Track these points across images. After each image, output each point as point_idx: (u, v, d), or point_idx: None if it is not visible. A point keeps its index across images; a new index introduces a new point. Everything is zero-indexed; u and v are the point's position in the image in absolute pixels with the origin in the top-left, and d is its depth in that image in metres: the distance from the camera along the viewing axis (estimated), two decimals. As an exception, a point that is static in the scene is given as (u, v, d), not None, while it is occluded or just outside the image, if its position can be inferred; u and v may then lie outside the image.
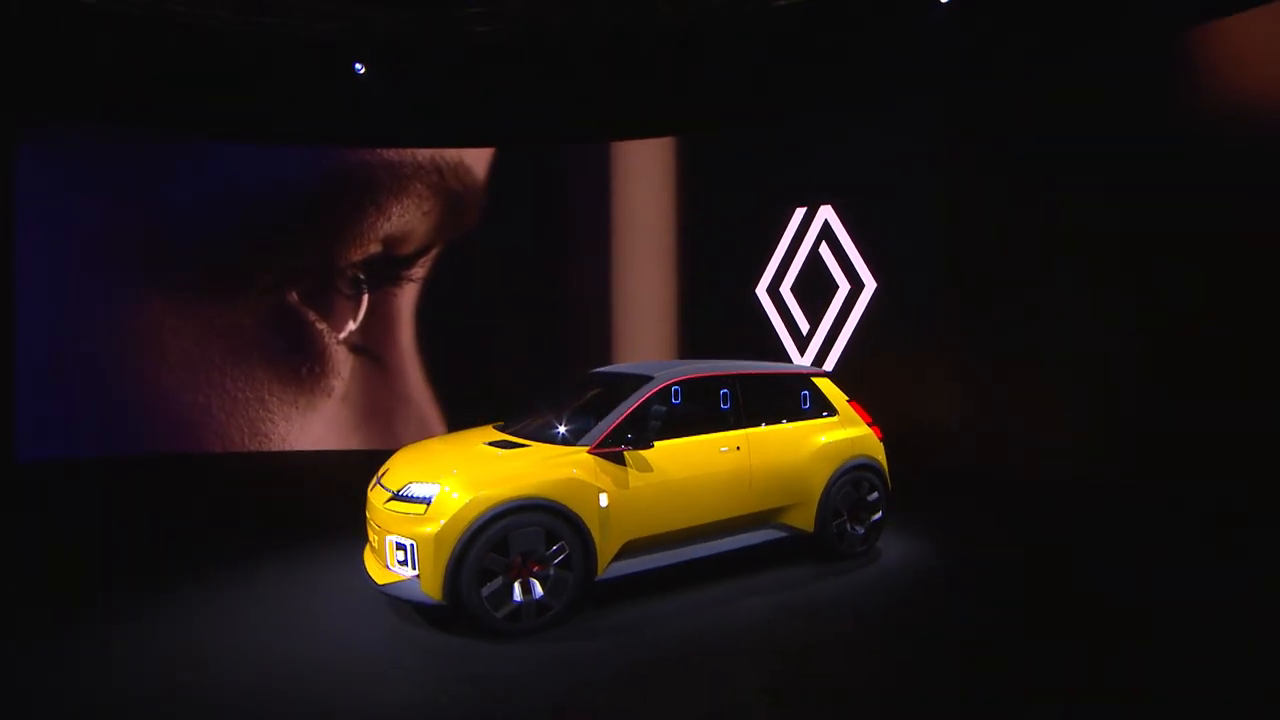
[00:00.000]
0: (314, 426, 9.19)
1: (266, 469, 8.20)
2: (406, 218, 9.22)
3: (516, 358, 9.08)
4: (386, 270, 9.29)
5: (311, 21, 8.41)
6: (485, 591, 3.18)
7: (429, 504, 3.23)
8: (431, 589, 3.14)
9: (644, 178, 8.97)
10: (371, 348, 9.29)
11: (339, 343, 9.20)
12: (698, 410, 3.96)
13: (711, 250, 8.61)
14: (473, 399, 9.10)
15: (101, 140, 8.54)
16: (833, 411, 4.46)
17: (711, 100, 8.49)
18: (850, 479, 4.33)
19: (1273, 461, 4.98)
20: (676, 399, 3.84)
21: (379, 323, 9.28)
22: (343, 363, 9.23)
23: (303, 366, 9.18)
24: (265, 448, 9.06)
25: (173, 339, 8.88)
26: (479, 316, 9.12)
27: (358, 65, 8.58)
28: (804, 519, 4.18)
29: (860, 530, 4.40)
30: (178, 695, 2.82)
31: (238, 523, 5.73)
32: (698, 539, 3.84)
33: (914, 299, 7.22)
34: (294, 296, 9.13)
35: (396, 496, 3.37)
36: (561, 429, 3.78)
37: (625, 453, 3.55)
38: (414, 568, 3.18)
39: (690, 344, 8.79)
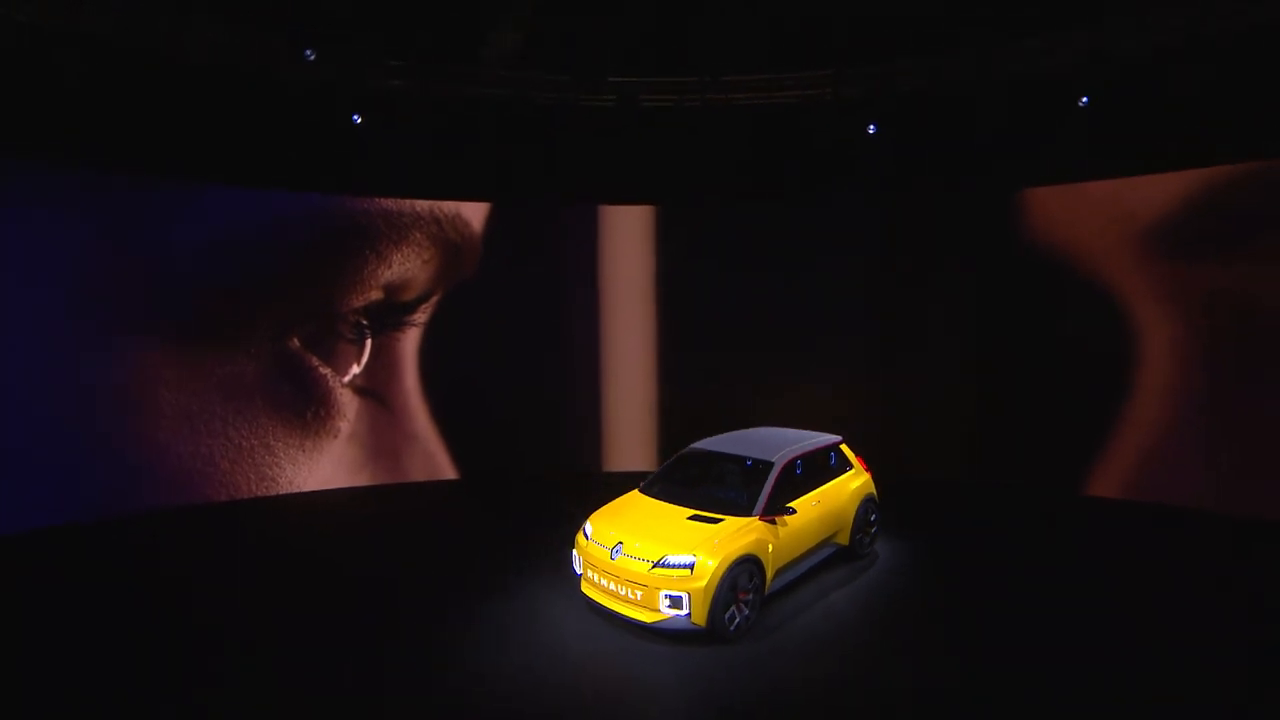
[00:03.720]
0: (321, 467, 9.71)
1: (314, 510, 8.77)
2: (407, 265, 9.91)
3: (515, 397, 10.20)
4: (389, 316, 9.93)
5: (310, 71, 8.77)
6: (726, 616, 5.08)
7: (692, 568, 4.97)
8: (699, 621, 4.92)
9: (627, 239, 10.56)
10: (376, 389, 9.95)
11: (343, 386, 9.75)
12: (791, 477, 6.13)
13: (685, 305, 10.45)
14: (476, 434, 10.25)
15: (86, 185, 8.14)
16: (850, 466, 6.91)
17: (684, 179, 10.35)
18: (864, 508, 6.76)
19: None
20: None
21: (383, 365, 9.96)
22: (348, 404, 9.80)
23: (307, 410, 9.60)
24: (272, 492, 9.42)
25: (168, 391, 8.83)
26: (481, 359, 10.06)
27: (356, 116, 9.07)
28: (843, 538, 6.56)
29: (867, 539, 6.96)
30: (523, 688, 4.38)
31: (419, 552, 7.10)
32: (800, 561, 6.04)
33: (838, 347, 9.96)
34: (295, 343, 9.47)
35: (660, 565, 5.04)
36: (725, 501, 5.71)
37: (776, 517, 5.65)
38: (685, 609, 4.93)
39: (668, 382, 10.58)
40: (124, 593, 6.28)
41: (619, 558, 5.28)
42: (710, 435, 9.89)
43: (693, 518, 5.51)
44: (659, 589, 5.02)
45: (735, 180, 10.09)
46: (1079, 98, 7.64)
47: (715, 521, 5.42)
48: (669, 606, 5.00)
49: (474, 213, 10.10)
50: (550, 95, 9.77)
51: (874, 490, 6.96)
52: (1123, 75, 7.31)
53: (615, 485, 9.86)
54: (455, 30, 8.85)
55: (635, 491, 6.25)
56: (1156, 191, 7.57)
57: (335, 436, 9.72)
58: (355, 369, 9.78)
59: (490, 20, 8.59)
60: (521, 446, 10.41)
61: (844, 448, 6.91)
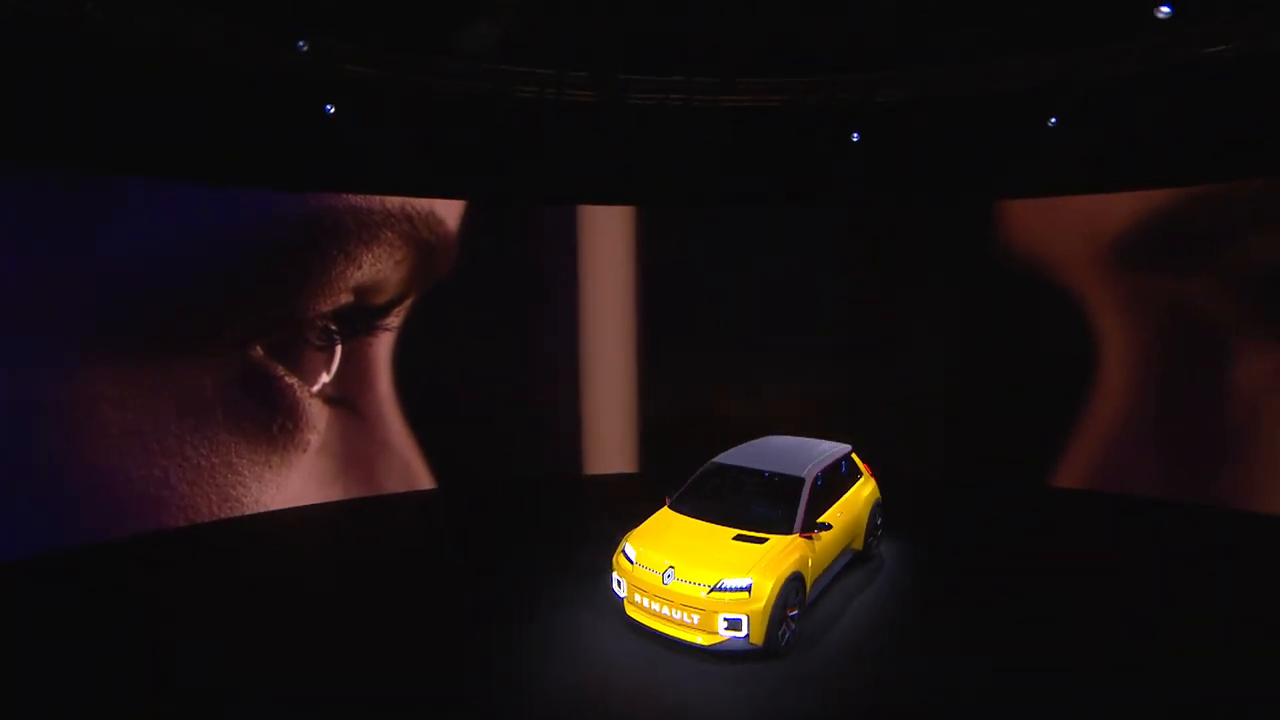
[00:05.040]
0: (290, 483, 9.05)
1: (287, 529, 8.19)
2: (379, 266, 9.30)
3: (493, 401, 9.85)
4: (360, 320, 9.30)
5: (275, 58, 8.00)
6: (779, 633, 5.21)
7: (749, 590, 5.05)
8: (757, 640, 5.03)
9: (608, 239, 10.33)
10: (348, 398, 9.35)
11: (312, 395, 9.09)
12: (816, 490, 6.28)
13: (666, 307, 10.33)
14: (454, 441, 9.83)
15: (13, 179, 7.08)
16: (860, 474, 7.20)
17: (668, 179, 10.21)
18: (873, 513, 7.10)
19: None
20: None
21: (354, 373, 9.35)
22: (317, 415, 9.16)
23: (273, 423, 8.90)
24: (237, 513, 8.70)
25: (114, 409, 7.91)
26: (457, 363, 9.64)
27: (328, 107, 8.39)
28: (858, 543, 6.81)
29: (875, 542, 7.29)
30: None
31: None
32: (828, 570, 6.24)
33: (829, 349, 10.21)
34: (259, 351, 8.73)
35: (718, 589, 5.09)
36: (763, 519, 5.79)
37: (813, 533, 5.80)
38: (744, 631, 5.00)
39: (649, 384, 10.49)
40: (72, 638, 5.66)
41: (672, 582, 5.28)
42: (690, 437, 9.81)
43: (738, 538, 5.58)
44: (717, 612, 5.07)
45: (720, 182, 10.08)
46: (1057, 117, 8.13)
47: (761, 541, 5.51)
48: (727, 629, 5.07)
49: (449, 210, 9.60)
50: (532, 90, 9.38)
51: (879, 495, 7.29)
52: (1094, 99, 7.88)
53: (599, 489, 9.88)
54: (433, 18, 8.29)
55: (665, 510, 6.24)
56: (1121, 208, 8.27)
57: (304, 450, 9.07)
58: (325, 377, 9.14)
59: (470, 9, 8.10)
60: (501, 452, 10.11)
61: (854, 456, 7.17)
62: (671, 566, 5.35)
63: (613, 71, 8.78)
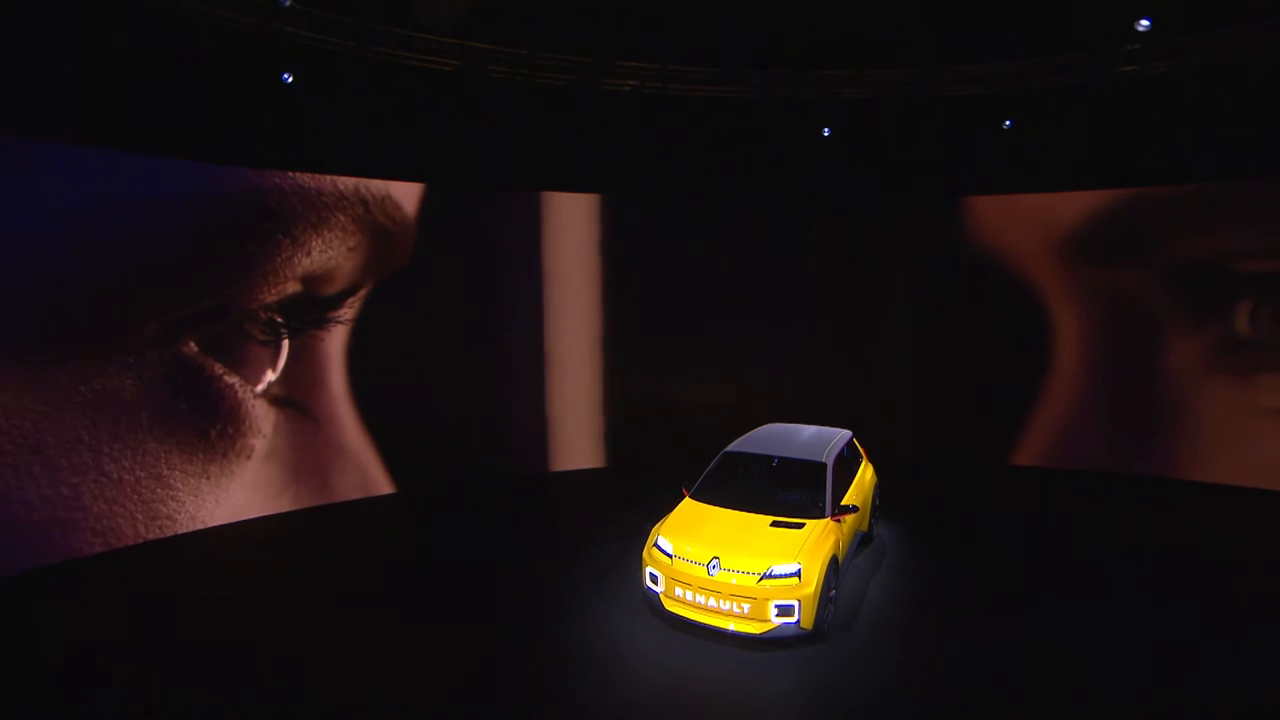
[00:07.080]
0: (232, 495, 8.02)
1: (230, 547, 7.20)
2: (330, 253, 8.47)
3: (455, 398, 9.28)
4: (309, 312, 8.42)
5: (214, 15, 7.09)
6: (824, 615, 5.17)
7: (798, 575, 4.96)
8: (807, 624, 4.95)
9: (574, 227, 9.91)
10: (297, 398, 8.43)
11: (256, 396, 8.11)
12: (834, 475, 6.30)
13: (633, 297, 10.05)
14: (414, 442, 9.11)
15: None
16: (860, 458, 7.33)
17: (637, 167, 9.98)
18: (874, 495, 7.28)
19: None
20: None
21: (304, 370, 8.45)
22: (263, 418, 8.18)
23: (211, 429, 7.85)
24: (169, 532, 7.59)
25: (4, 420, 6.63)
26: (417, 358, 8.99)
27: (286, 76, 7.55)
28: (865, 525, 6.91)
29: (875, 521, 7.43)
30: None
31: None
32: (849, 550, 6.28)
33: (798, 339, 10.37)
34: (193, 347, 7.67)
35: (768, 576, 4.96)
36: (793, 504, 5.75)
37: (841, 516, 5.79)
38: (795, 616, 4.90)
39: (615, 376, 10.19)
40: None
41: (718, 573, 5.09)
42: (660, 429, 9.87)
43: (774, 524, 5.48)
44: (769, 600, 4.94)
45: (691, 172, 10.01)
46: (1026, 120, 8.67)
47: (798, 527, 5.44)
48: (778, 615, 4.95)
49: (406, 194, 8.90)
50: (504, 70, 8.88)
51: (877, 478, 7.45)
52: (1053, 104, 8.52)
53: (573, 485, 9.53)
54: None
55: (688, 500, 6.04)
56: (1073, 207, 8.98)
57: (248, 457, 8.08)
58: (270, 376, 8.18)
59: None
60: (464, 451, 9.51)
61: (855, 441, 7.29)
62: (716, 557, 5.16)
63: (609, 57, 8.46)
